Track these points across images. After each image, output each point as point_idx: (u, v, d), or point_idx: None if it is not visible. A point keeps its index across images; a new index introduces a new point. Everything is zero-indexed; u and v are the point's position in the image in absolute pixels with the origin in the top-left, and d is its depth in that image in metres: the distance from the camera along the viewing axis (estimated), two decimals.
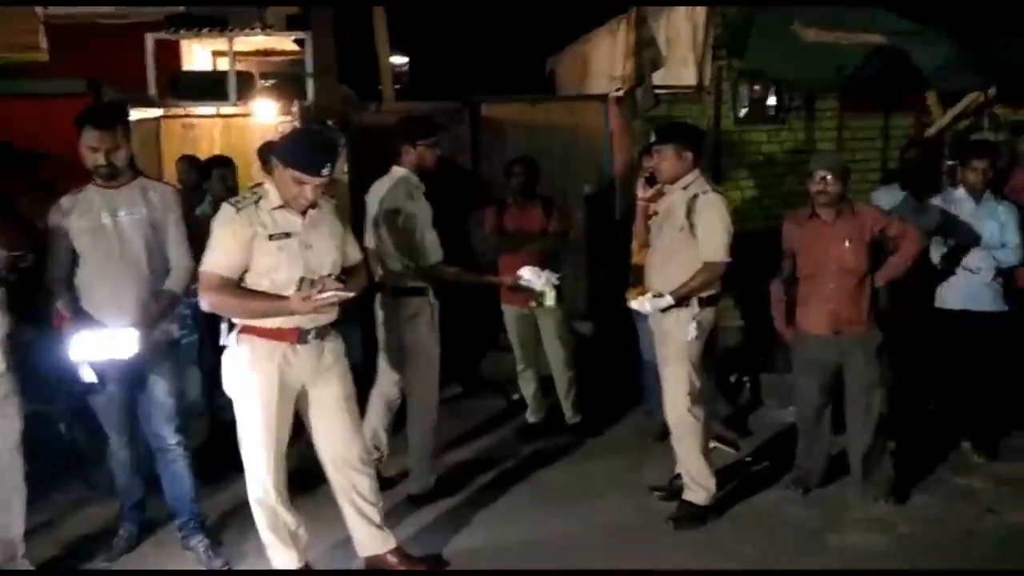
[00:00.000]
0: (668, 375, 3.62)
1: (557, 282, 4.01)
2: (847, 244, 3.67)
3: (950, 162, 6.48)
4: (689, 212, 3.51)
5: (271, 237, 2.85)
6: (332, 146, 3.01)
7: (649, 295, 3.55)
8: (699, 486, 3.64)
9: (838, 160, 3.92)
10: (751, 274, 4.02)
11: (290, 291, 2.82)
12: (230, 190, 4.44)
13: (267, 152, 4.82)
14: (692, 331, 3.51)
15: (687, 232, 3.52)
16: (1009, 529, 3.55)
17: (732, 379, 5.23)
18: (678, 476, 3.74)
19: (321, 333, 2.99)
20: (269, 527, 3.03)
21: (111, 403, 3.33)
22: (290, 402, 2.98)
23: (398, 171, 3.76)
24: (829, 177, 3.63)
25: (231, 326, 2.95)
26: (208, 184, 4.62)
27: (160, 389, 3.30)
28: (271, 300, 2.84)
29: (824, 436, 3.91)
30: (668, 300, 3.49)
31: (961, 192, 4.24)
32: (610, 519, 3.73)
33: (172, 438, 3.36)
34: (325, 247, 2.96)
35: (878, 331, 3.75)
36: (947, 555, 3.36)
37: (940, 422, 4.32)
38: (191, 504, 3.44)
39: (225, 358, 2.97)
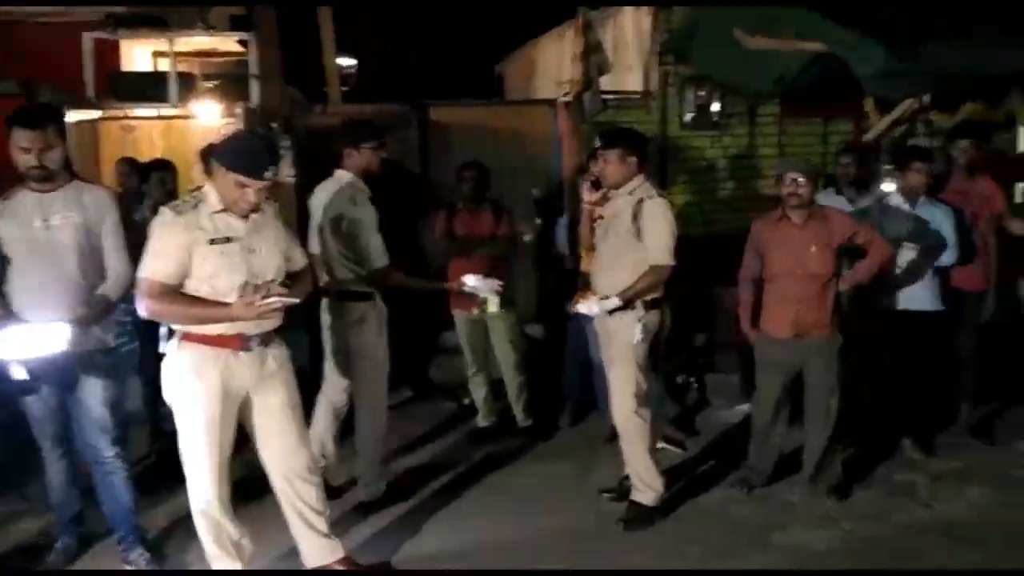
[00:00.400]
0: (615, 377, 3.65)
1: (500, 289, 4.03)
2: (814, 248, 3.72)
3: (887, 167, 6.69)
4: (635, 216, 3.53)
5: (212, 242, 2.79)
6: (274, 149, 2.96)
7: (596, 297, 3.57)
8: (647, 487, 3.67)
9: (809, 163, 3.99)
10: (694, 277, 4.08)
11: (232, 297, 2.76)
12: (170, 194, 4.33)
13: (209, 155, 4.74)
14: (638, 333, 3.54)
15: (633, 236, 3.54)
16: (946, 523, 3.65)
17: (679, 380, 5.30)
18: (627, 477, 3.77)
19: (265, 340, 2.93)
20: (213, 539, 2.96)
21: (44, 412, 3.23)
22: (233, 410, 2.92)
23: (342, 175, 3.71)
24: (800, 179, 3.69)
25: (171, 333, 2.89)
26: (147, 188, 4.51)
27: (94, 399, 3.20)
28: (213, 306, 2.78)
29: (777, 436, 3.99)
30: (615, 302, 3.51)
31: (896, 196, 4.35)
32: (560, 522, 3.73)
33: (108, 450, 3.26)
34: (268, 252, 2.91)
35: (839, 335, 3.81)
36: (888, 550, 3.44)
37: (885, 420, 4.41)
38: (130, 517, 3.35)
39: (165, 366, 2.90)
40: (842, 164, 4.92)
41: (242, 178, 2.74)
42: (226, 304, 2.75)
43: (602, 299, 3.54)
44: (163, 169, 4.53)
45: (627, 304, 3.54)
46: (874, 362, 4.32)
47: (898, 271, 4.21)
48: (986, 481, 4.01)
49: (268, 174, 2.77)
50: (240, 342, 2.86)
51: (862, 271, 3.85)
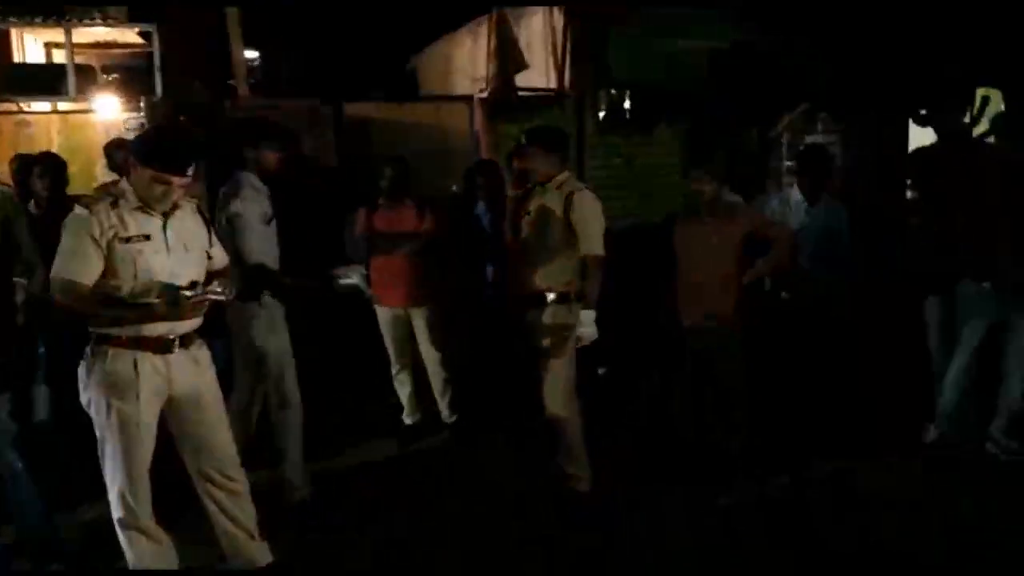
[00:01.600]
0: (551, 369, 3.67)
1: (365, 271, 4.01)
2: (715, 241, 3.86)
3: (788, 163, 7.01)
4: (567, 209, 3.59)
5: (128, 240, 2.68)
6: (196, 144, 2.88)
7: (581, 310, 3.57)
8: (581, 474, 3.74)
9: (715, 162, 4.13)
10: (613, 269, 4.15)
11: (151, 296, 2.66)
12: (55, 188, 4.12)
13: (115, 150, 4.54)
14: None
15: (566, 228, 3.60)
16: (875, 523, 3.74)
17: (600, 372, 5.37)
18: (559, 467, 3.81)
19: (185, 341, 2.84)
20: (134, 546, 2.83)
21: None
22: (153, 415, 2.81)
23: (237, 174, 3.65)
24: (704, 177, 3.85)
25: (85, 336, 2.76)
26: (31, 182, 4.25)
27: (5, 411, 3.05)
28: (132, 307, 2.67)
29: (700, 425, 4.11)
30: (592, 314, 3.53)
31: (798, 194, 4.55)
32: (492, 515, 3.74)
33: (18, 463, 3.10)
34: (188, 250, 2.82)
35: (741, 328, 3.94)
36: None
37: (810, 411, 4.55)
38: (43, 530, 3.19)
39: (81, 371, 2.77)
40: (735, 164, 5.11)
41: (162, 174, 2.65)
42: (147, 304, 2.65)
43: (559, 303, 3.58)
44: (42, 162, 4.28)
45: (562, 299, 3.60)
46: (775, 359, 4.47)
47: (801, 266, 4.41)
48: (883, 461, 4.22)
49: (190, 170, 2.68)
50: (160, 344, 2.76)
51: (761, 267, 4.01)
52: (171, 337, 2.77)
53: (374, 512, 3.81)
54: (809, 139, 6.79)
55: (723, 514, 3.74)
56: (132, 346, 2.72)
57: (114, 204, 2.69)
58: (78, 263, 2.63)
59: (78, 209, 2.68)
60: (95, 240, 2.63)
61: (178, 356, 2.81)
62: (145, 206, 2.72)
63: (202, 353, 2.93)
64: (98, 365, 2.72)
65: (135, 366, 2.72)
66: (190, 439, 2.91)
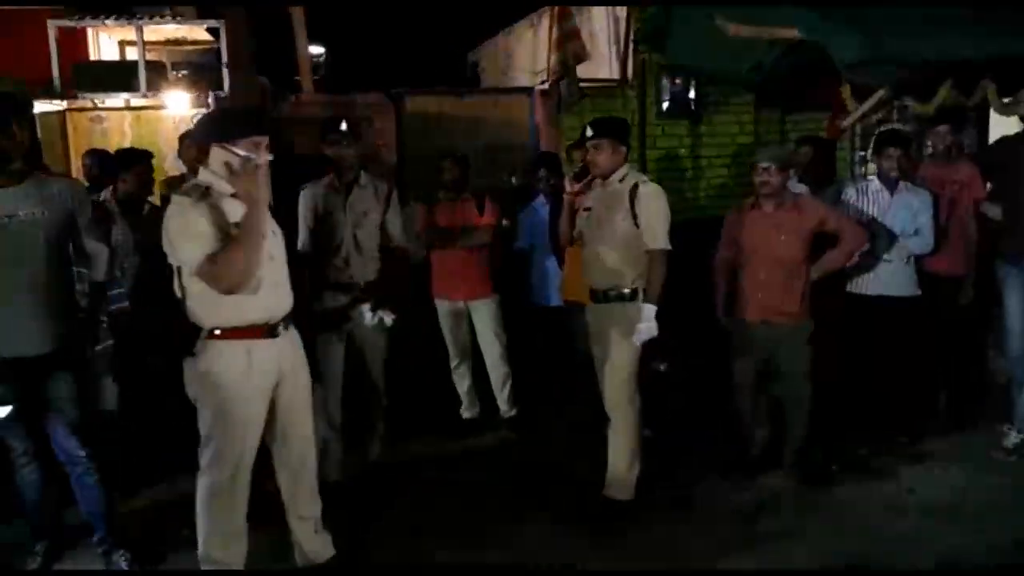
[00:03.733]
0: (614, 366, 3.59)
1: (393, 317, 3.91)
2: (783, 236, 3.75)
3: (861, 153, 6.76)
4: (632, 202, 3.51)
5: (236, 225, 2.69)
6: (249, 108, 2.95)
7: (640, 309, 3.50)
8: (624, 482, 3.65)
9: (781, 151, 4.01)
10: (676, 264, 4.07)
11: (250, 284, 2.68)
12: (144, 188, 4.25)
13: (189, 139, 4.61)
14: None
15: (631, 223, 3.52)
16: (928, 505, 3.69)
17: (662, 368, 5.27)
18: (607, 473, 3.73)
19: (285, 323, 2.87)
20: (214, 535, 2.84)
21: (13, 412, 3.11)
22: (265, 401, 2.82)
23: None
24: (772, 168, 3.73)
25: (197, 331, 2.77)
26: (125, 176, 4.31)
27: (67, 398, 3.10)
28: (243, 232, 2.65)
29: (759, 421, 4.01)
30: (652, 309, 3.46)
31: (876, 183, 4.37)
32: (547, 515, 3.70)
33: (81, 450, 3.17)
34: (275, 234, 2.87)
35: (810, 322, 3.84)
36: (872, 533, 3.47)
37: (861, 405, 4.45)
38: (107, 518, 3.27)
39: (195, 363, 2.76)
40: (802, 153, 4.95)
41: (253, 138, 2.69)
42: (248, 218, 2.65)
43: (626, 299, 3.53)
44: (147, 160, 4.36)
45: (628, 296, 3.54)
46: (850, 348, 4.35)
47: (879, 257, 4.25)
48: (966, 463, 4.06)
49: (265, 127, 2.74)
50: (268, 330, 2.79)
51: (832, 260, 3.87)
52: (274, 322, 2.81)
53: (429, 506, 3.82)
54: (884, 127, 6.54)
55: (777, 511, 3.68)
56: (241, 336, 2.73)
57: (205, 195, 2.69)
58: (201, 244, 2.62)
59: (179, 199, 2.68)
60: (208, 222, 2.64)
61: (282, 340, 2.85)
62: (234, 193, 2.70)
63: (296, 335, 2.97)
64: (209, 361, 2.73)
65: (246, 355, 2.74)
66: (284, 423, 2.92)
